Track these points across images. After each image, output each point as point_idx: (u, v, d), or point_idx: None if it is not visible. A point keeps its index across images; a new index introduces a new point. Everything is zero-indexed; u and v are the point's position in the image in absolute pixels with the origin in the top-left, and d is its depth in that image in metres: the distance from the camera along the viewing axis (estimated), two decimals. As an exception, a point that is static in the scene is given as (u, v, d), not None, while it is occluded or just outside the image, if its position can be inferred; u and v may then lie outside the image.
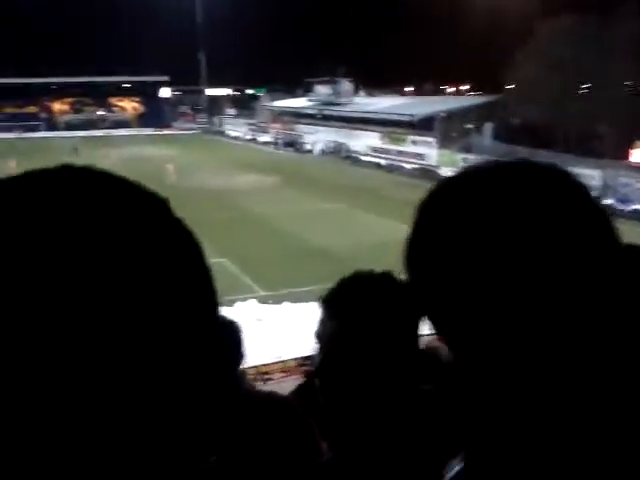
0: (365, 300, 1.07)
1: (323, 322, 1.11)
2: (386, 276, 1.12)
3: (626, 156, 28.60)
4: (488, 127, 34.69)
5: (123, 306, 0.35)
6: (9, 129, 58.01)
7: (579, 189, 0.56)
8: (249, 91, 79.35)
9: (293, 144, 46.24)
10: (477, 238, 0.53)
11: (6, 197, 0.37)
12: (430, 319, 0.59)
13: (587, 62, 31.40)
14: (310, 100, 52.30)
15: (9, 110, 67.30)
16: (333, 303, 1.10)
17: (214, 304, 0.43)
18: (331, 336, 1.08)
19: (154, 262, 0.37)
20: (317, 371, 1.12)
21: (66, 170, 0.39)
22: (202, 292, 0.41)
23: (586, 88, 33.84)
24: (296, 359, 7.90)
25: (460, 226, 0.55)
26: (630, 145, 28.71)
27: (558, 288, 0.51)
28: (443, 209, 0.57)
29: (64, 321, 0.34)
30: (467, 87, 67.82)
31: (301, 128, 47.87)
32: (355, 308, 1.06)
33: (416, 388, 1.11)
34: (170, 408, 0.39)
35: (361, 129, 40.59)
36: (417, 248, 0.59)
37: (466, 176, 0.59)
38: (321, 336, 1.11)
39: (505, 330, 0.53)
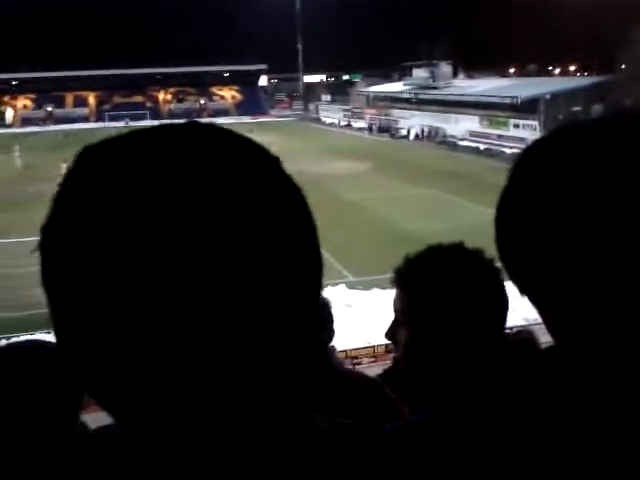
0: (433, 270, 1.07)
1: (396, 295, 1.12)
2: (457, 247, 1.11)
3: None
4: (597, 109, 32.58)
5: (239, 255, 0.36)
6: (118, 118, 61.38)
7: None
8: (345, 77, 79.24)
9: (388, 129, 45.69)
10: (579, 197, 0.48)
11: (143, 144, 0.40)
12: (521, 288, 0.55)
13: None
14: (406, 84, 51.42)
15: (118, 100, 71.29)
16: (403, 275, 1.10)
17: (320, 261, 0.42)
18: (402, 308, 1.10)
19: (270, 212, 0.38)
20: (387, 333, 1.15)
21: (194, 125, 0.42)
22: (311, 248, 0.41)
23: None
24: (385, 345, 7.76)
25: (560, 184, 0.50)
26: None
27: None
28: (541, 163, 0.53)
29: (176, 275, 0.35)
30: (574, 67, 64.05)
31: (396, 113, 47.22)
32: (423, 278, 1.07)
33: (513, 371, 0.95)
34: (270, 370, 0.40)
35: (459, 113, 39.39)
36: (510, 206, 0.54)
37: (568, 130, 0.54)
38: (395, 308, 1.13)
39: (608, 306, 0.48)
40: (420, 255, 1.11)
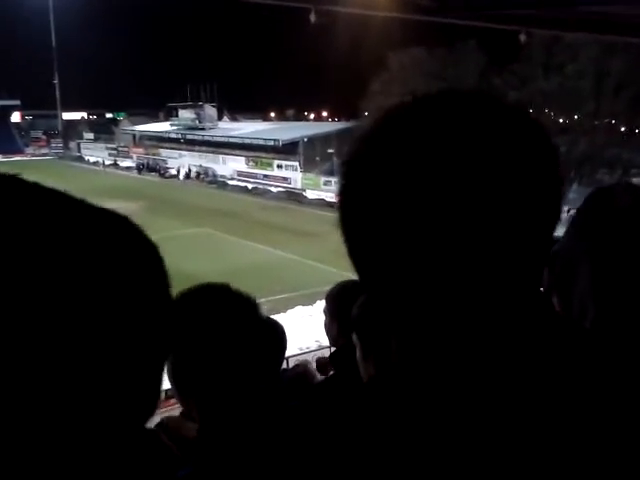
0: (189, 310, 1.13)
1: None
2: (220, 287, 1.18)
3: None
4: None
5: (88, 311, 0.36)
6: None
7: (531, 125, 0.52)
8: (108, 115, 76.63)
9: (157, 169, 45.33)
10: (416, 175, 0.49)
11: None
12: (357, 266, 0.55)
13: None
14: (173, 124, 51.66)
15: None
16: None
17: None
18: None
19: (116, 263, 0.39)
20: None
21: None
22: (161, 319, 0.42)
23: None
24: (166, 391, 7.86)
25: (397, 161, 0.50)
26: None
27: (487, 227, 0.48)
28: (385, 133, 0.53)
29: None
30: (326, 113, 70.54)
31: (165, 153, 47.13)
32: (182, 319, 1.09)
33: (281, 404, 1.13)
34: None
35: (227, 154, 40.89)
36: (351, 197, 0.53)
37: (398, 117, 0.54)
38: None
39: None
40: (184, 293, 1.14)
